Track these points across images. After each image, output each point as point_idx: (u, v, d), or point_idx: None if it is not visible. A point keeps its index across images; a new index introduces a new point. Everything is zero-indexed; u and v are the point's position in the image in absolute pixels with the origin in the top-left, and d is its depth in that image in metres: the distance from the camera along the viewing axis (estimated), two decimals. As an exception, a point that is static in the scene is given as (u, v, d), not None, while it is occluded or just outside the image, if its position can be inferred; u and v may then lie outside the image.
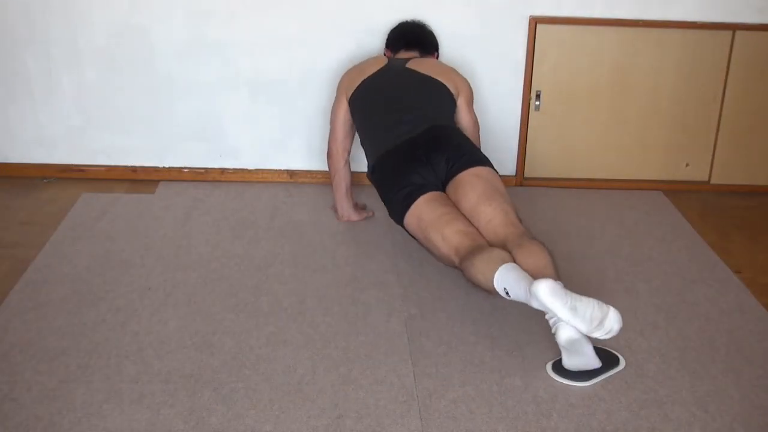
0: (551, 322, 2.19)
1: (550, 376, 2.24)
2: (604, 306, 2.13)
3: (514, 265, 2.26)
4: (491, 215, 2.52)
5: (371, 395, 2.16)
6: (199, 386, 2.17)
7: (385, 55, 3.25)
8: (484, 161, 2.73)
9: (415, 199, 2.64)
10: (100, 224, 3.10)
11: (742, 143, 3.57)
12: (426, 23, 3.28)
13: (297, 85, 3.44)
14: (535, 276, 2.21)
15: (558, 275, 2.28)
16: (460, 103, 3.02)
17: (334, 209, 3.25)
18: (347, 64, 3.36)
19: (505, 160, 3.55)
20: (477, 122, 3.08)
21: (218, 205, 3.33)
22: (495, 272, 2.24)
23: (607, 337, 2.14)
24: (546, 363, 2.29)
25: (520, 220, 2.55)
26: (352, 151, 3.17)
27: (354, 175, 3.24)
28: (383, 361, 2.30)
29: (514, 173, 3.60)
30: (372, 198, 3.31)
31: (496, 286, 2.25)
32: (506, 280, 2.22)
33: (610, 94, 3.49)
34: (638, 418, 2.10)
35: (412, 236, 2.72)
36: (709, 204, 3.50)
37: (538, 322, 2.52)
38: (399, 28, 3.26)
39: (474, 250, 2.38)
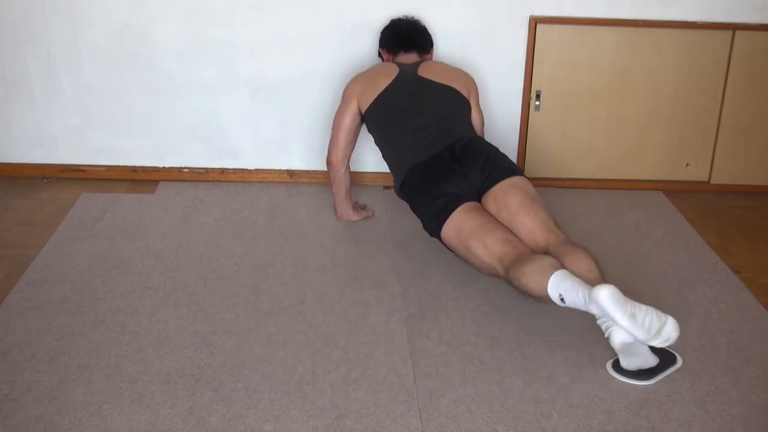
0: (604, 326, 2.19)
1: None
2: (662, 315, 2.14)
3: (567, 271, 2.25)
4: (531, 224, 2.52)
5: (371, 395, 2.16)
6: (199, 386, 2.17)
7: (380, 54, 3.24)
8: (517, 171, 2.71)
9: (452, 210, 2.60)
10: (100, 224, 3.10)
11: (742, 143, 3.57)
12: (419, 20, 3.26)
13: (297, 85, 3.44)
14: (586, 281, 2.22)
15: (605, 278, 2.28)
16: (471, 103, 3.03)
17: (335, 208, 3.25)
18: (347, 64, 3.36)
19: (505, 160, 3.55)
20: (482, 116, 3.10)
21: (218, 205, 3.33)
22: (548, 279, 2.24)
23: (665, 344, 2.15)
24: (607, 361, 2.30)
25: (559, 227, 2.54)
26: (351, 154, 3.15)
27: (353, 175, 3.24)
28: (383, 361, 2.30)
29: (514, 173, 3.60)
30: (372, 198, 3.32)
31: (550, 293, 2.24)
32: (561, 287, 2.22)
33: (610, 94, 3.49)
34: (638, 418, 2.10)
35: (450, 248, 2.66)
36: (709, 204, 3.50)
37: (538, 322, 2.53)
38: (393, 29, 3.23)
39: (521, 258, 2.37)
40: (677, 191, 3.58)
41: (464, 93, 3.00)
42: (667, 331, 2.13)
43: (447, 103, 2.95)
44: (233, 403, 2.11)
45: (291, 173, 3.59)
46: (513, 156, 3.56)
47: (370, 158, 3.47)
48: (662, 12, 3.36)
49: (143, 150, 3.54)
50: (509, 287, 2.72)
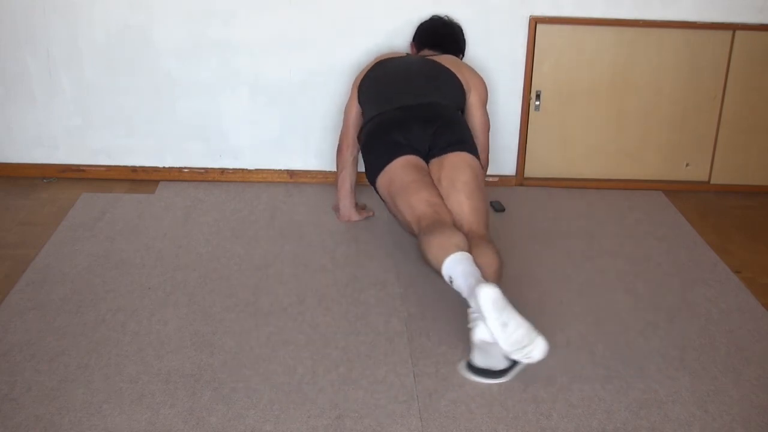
0: (473, 316, 2.17)
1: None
2: (534, 334, 2.10)
3: (467, 255, 2.25)
4: (465, 206, 2.51)
5: (371, 395, 2.16)
6: (199, 386, 2.17)
7: (411, 47, 3.25)
8: (475, 151, 2.69)
9: (391, 160, 2.63)
10: (100, 224, 3.10)
11: (742, 143, 3.57)
12: (456, 23, 3.24)
13: (297, 85, 3.44)
14: (481, 275, 2.23)
15: (500, 283, 2.26)
16: (472, 100, 2.99)
17: (335, 209, 3.25)
18: (347, 63, 3.36)
19: (505, 160, 3.55)
20: (488, 123, 3.05)
21: (218, 205, 3.33)
22: (446, 258, 2.24)
23: (524, 361, 2.11)
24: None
25: (487, 225, 2.54)
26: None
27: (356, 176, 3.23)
28: (383, 361, 2.30)
29: (514, 173, 3.60)
30: (372, 199, 3.31)
31: (443, 272, 2.25)
32: (454, 269, 2.23)
33: (610, 94, 3.49)
34: (638, 418, 2.10)
35: (382, 200, 2.69)
36: (709, 204, 3.50)
37: (538, 322, 2.52)
38: (427, 25, 3.22)
39: (434, 226, 2.37)
40: (677, 191, 3.58)
41: (463, 83, 2.97)
42: (530, 350, 2.09)
43: (439, 81, 2.93)
44: (233, 403, 2.11)
45: (291, 173, 3.59)
46: (513, 156, 3.57)
47: (370, 158, 3.47)
48: (662, 12, 3.36)
49: (143, 150, 3.54)
50: (509, 287, 2.72)
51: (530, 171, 3.60)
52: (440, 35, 3.19)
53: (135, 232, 3.05)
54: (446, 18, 3.25)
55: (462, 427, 2.05)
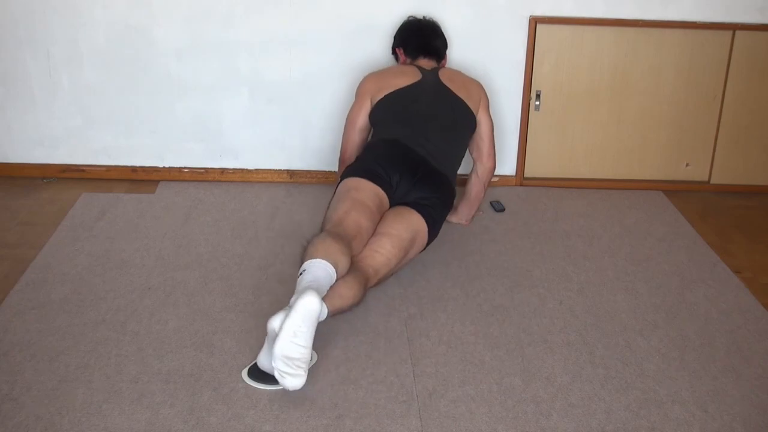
0: (285, 308, 2.16)
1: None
2: (303, 371, 2.08)
3: (333, 275, 2.28)
4: (382, 251, 2.54)
5: (371, 395, 2.16)
6: (199, 386, 2.17)
7: (393, 52, 3.24)
8: (430, 220, 2.71)
9: (366, 178, 2.68)
10: (100, 224, 3.10)
11: (742, 143, 3.57)
12: (436, 23, 3.24)
13: (297, 85, 3.44)
14: (326, 295, 2.24)
15: (329, 315, 2.25)
16: (480, 116, 3.03)
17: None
18: (348, 64, 3.36)
19: (505, 160, 3.55)
20: (492, 124, 3.08)
21: (218, 205, 3.33)
22: (320, 258, 2.27)
23: (276, 377, 2.09)
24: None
25: (380, 279, 2.55)
26: None
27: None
28: (383, 361, 2.30)
29: (514, 173, 3.60)
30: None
31: (305, 262, 2.29)
32: (314, 269, 2.25)
33: (610, 94, 3.49)
34: (638, 418, 2.10)
35: (333, 193, 2.75)
36: (709, 204, 3.50)
37: (538, 322, 2.53)
38: (414, 33, 3.20)
39: (340, 237, 2.40)
40: (677, 191, 3.58)
41: (474, 110, 3.01)
42: (288, 375, 2.07)
43: (455, 126, 2.96)
44: (233, 403, 2.11)
45: (291, 173, 3.59)
46: (513, 156, 3.57)
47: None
48: (662, 12, 3.36)
49: (143, 150, 3.54)
50: (509, 287, 2.72)
51: (530, 171, 3.60)
52: (432, 42, 3.18)
53: (135, 232, 3.05)
54: (423, 18, 3.24)
55: (462, 427, 2.05)
